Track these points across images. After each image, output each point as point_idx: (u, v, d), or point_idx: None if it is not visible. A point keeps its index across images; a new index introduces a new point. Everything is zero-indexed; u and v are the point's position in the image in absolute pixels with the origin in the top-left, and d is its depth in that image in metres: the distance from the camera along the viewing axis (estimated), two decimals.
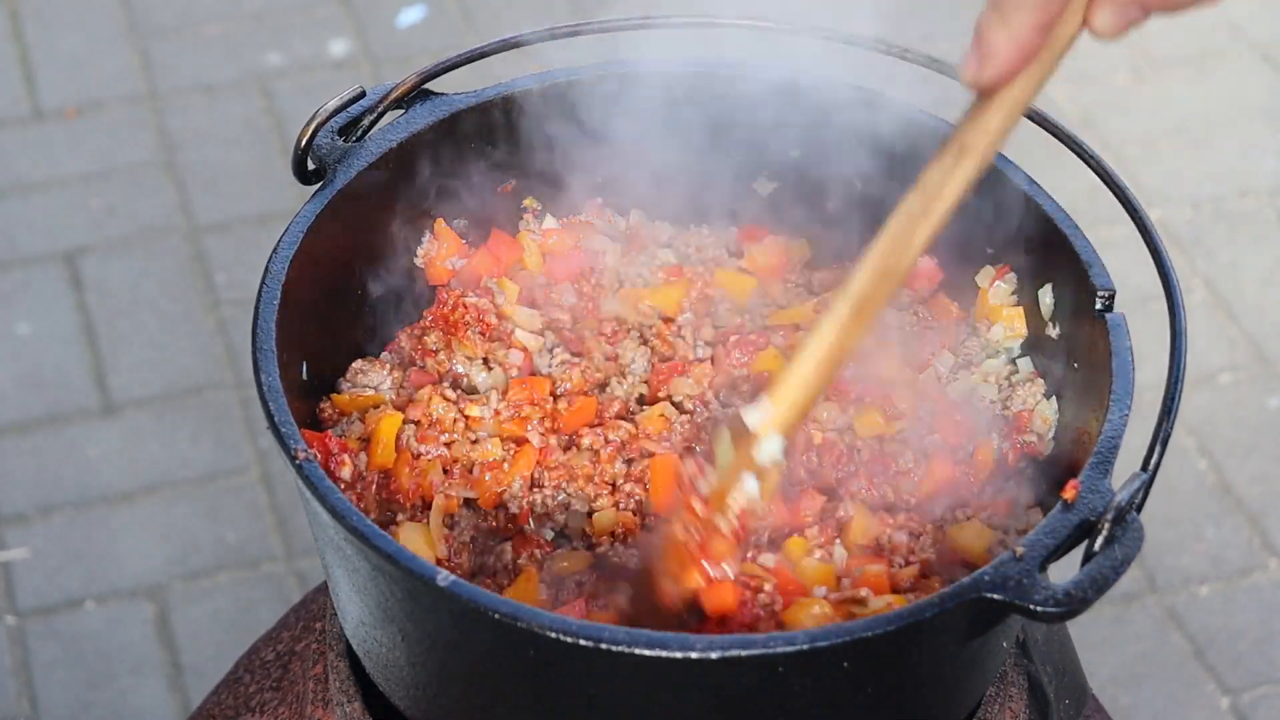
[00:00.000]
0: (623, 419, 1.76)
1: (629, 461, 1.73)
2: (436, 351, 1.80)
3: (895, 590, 1.60)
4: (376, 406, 1.75)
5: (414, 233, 1.85)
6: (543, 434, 1.74)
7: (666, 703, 1.48)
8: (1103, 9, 1.29)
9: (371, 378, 1.77)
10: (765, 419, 1.51)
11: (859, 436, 1.75)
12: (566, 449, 1.74)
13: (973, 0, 1.38)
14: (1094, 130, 3.89)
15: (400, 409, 1.74)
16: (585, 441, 1.74)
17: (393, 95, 1.77)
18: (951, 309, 1.84)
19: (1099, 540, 1.43)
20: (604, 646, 1.39)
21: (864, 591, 1.58)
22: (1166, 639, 3.11)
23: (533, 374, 1.79)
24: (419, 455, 1.71)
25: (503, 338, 1.81)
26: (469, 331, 1.79)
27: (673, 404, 1.78)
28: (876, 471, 1.72)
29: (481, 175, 1.86)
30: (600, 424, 1.75)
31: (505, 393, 1.76)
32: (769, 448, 1.52)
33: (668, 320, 1.85)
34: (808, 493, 1.69)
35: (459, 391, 1.77)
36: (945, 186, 1.40)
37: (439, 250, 1.85)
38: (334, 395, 1.75)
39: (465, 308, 1.80)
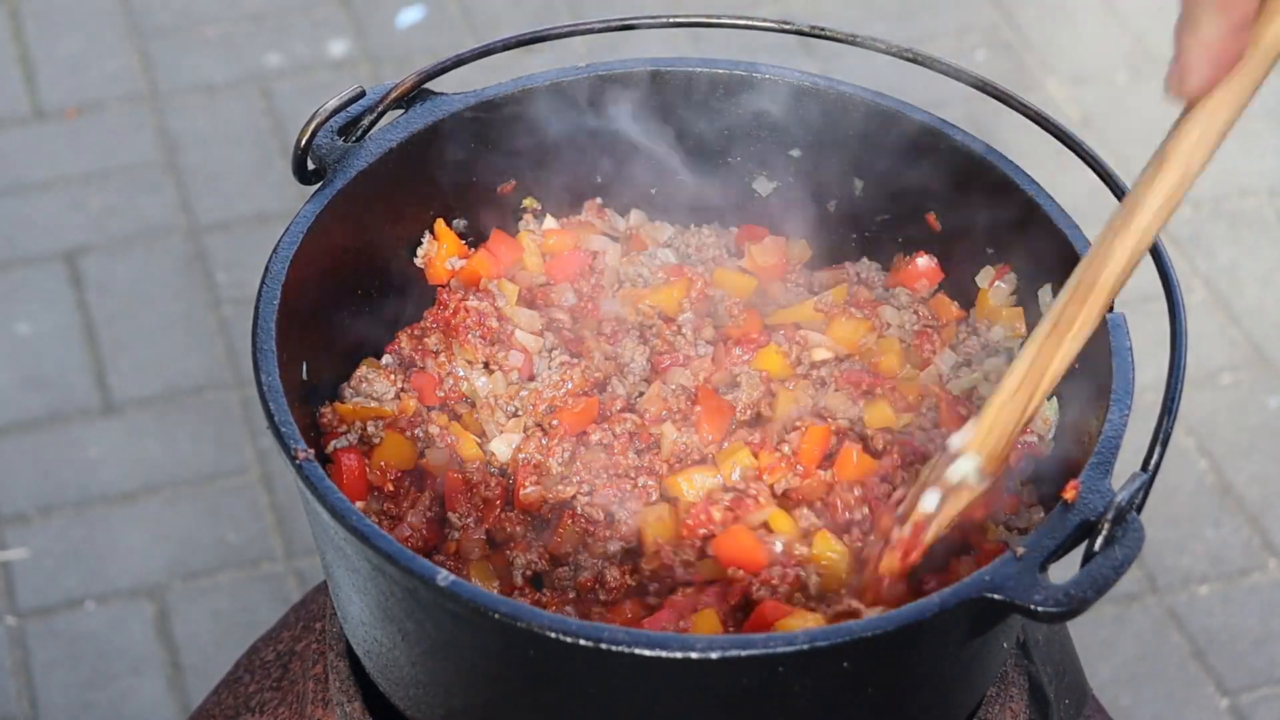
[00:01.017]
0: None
1: (639, 453, 1.73)
2: (437, 354, 1.80)
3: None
4: (379, 418, 1.75)
5: (414, 233, 1.85)
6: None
7: (666, 703, 1.48)
8: None
9: (376, 387, 1.77)
10: (967, 440, 1.55)
11: (869, 427, 1.75)
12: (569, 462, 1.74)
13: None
14: (1094, 130, 3.89)
15: (400, 430, 1.74)
16: (594, 438, 1.73)
17: (393, 95, 1.77)
18: (952, 309, 1.84)
19: (1099, 540, 1.43)
20: (604, 646, 1.39)
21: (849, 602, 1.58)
22: (1166, 639, 3.11)
23: (532, 377, 1.79)
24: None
25: (503, 339, 1.80)
26: (470, 335, 1.79)
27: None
28: (908, 453, 1.71)
29: (481, 175, 1.86)
30: (607, 420, 1.75)
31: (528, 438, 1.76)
32: (962, 466, 1.55)
33: (668, 320, 1.85)
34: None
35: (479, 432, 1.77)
36: (1145, 198, 1.43)
37: (439, 250, 1.85)
38: (337, 404, 1.75)
39: (466, 311, 1.80)
